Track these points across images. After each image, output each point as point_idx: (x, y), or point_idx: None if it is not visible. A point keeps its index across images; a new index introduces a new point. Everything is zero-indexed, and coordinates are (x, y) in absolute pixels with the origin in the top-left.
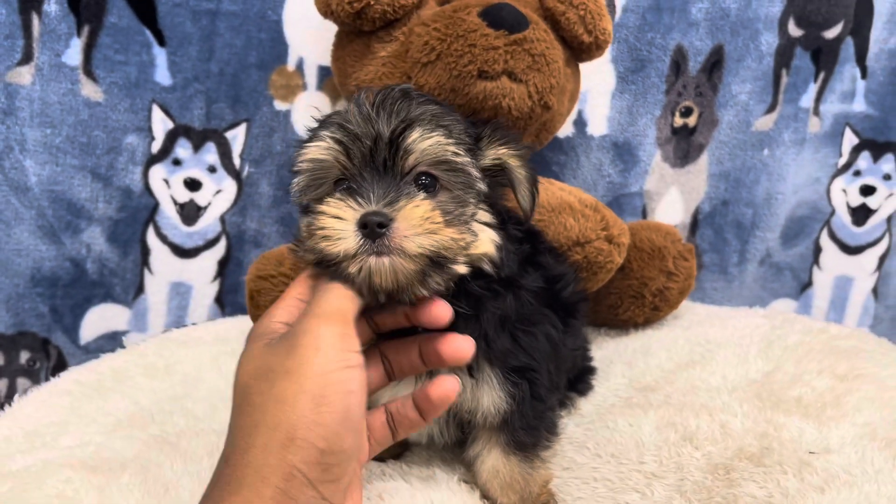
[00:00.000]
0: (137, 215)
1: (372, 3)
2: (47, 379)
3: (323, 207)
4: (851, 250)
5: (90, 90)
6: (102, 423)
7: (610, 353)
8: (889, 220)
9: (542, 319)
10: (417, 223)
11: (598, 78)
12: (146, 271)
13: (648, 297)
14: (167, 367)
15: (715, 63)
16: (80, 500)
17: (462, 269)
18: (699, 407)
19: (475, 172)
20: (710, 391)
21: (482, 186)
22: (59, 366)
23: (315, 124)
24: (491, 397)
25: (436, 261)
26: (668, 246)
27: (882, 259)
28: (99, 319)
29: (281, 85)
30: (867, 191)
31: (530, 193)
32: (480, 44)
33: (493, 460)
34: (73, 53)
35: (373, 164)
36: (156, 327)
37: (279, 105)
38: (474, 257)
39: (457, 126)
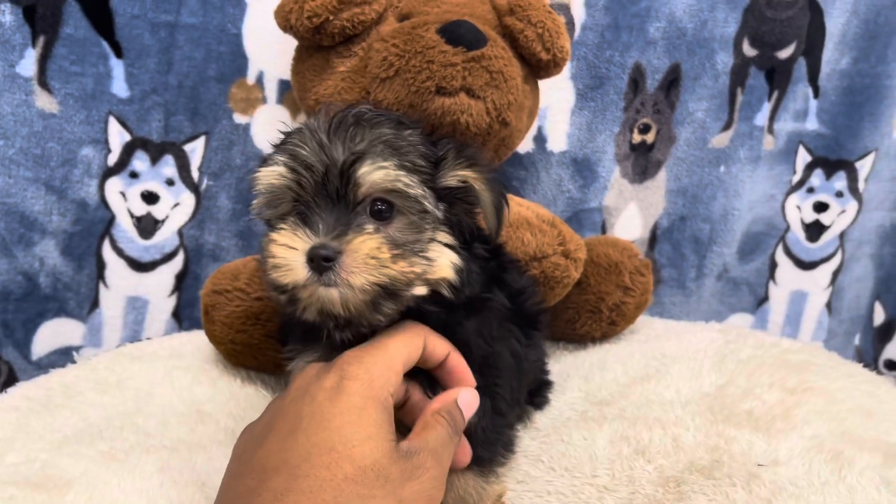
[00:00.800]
0: (93, 228)
1: (331, 18)
2: None
3: (274, 236)
4: (806, 266)
5: (45, 101)
6: (49, 440)
7: (567, 367)
8: (841, 236)
9: (506, 335)
10: (363, 259)
11: (557, 95)
12: (101, 285)
13: (605, 312)
14: (119, 383)
15: (672, 81)
16: None
17: (420, 291)
18: (653, 420)
19: (429, 203)
20: (664, 405)
21: (438, 213)
22: (10, 381)
23: (279, 139)
24: None
25: (388, 290)
26: (624, 261)
27: (835, 274)
28: (52, 335)
29: (240, 98)
30: (820, 207)
31: (495, 214)
32: (439, 60)
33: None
34: (28, 64)
35: (325, 192)
36: (111, 342)
37: (238, 118)
38: (432, 282)
39: (412, 152)
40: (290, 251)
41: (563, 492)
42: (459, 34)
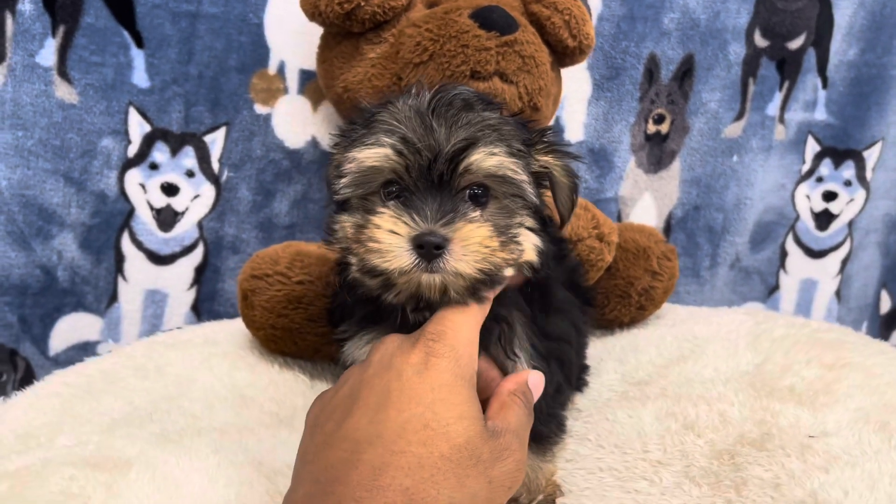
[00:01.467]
0: (112, 221)
1: (362, 4)
2: (14, 392)
3: (376, 220)
4: (815, 254)
5: (64, 92)
6: (98, 423)
7: (599, 351)
8: (850, 224)
9: (570, 308)
10: (475, 247)
11: (575, 85)
12: (120, 279)
13: (634, 297)
14: (158, 369)
15: (686, 71)
16: (88, 497)
17: (509, 273)
18: (696, 398)
19: (529, 188)
20: (705, 383)
21: (534, 199)
22: (27, 378)
23: (367, 115)
24: None
25: (488, 276)
26: (651, 246)
27: (844, 262)
28: (70, 329)
29: (261, 88)
30: (829, 196)
31: (570, 200)
32: (473, 45)
33: None
34: (48, 54)
35: (429, 176)
36: (129, 336)
37: (259, 109)
38: (518, 265)
39: (515, 137)
40: (394, 237)
41: (616, 468)
42: (492, 19)
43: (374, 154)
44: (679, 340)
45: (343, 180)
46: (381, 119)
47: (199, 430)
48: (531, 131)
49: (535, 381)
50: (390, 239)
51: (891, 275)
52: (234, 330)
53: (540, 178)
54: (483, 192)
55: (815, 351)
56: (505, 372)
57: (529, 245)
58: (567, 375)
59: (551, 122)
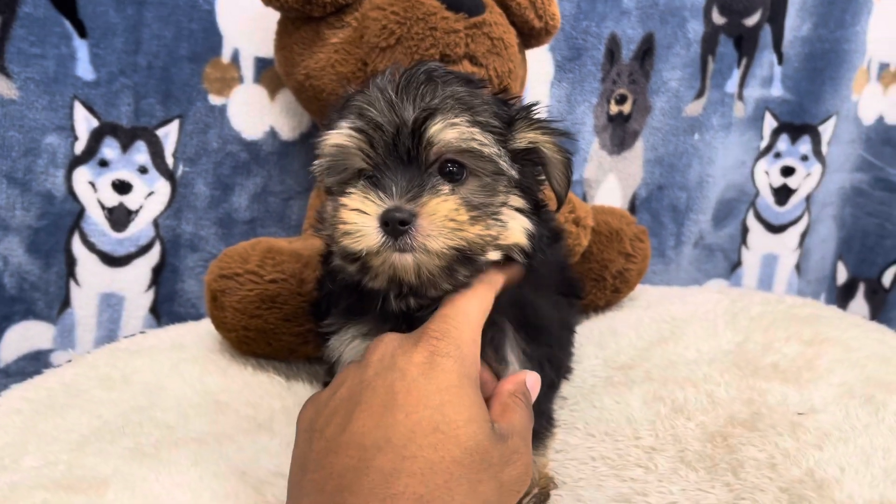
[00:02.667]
0: (60, 222)
1: None
2: None
3: (344, 200)
4: (775, 229)
5: (3, 87)
6: (66, 441)
7: (578, 337)
8: (807, 198)
9: (559, 304)
10: (441, 221)
11: (537, 66)
12: (72, 283)
13: (609, 280)
14: (124, 378)
15: (646, 51)
16: None
17: (493, 256)
18: (682, 380)
19: (503, 162)
20: (689, 364)
21: (513, 173)
22: None
23: (342, 102)
24: None
25: (464, 255)
26: (623, 228)
27: (803, 236)
28: (20, 338)
29: (215, 78)
30: (787, 172)
31: (564, 177)
32: (441, 27)
33: None
34: None
35: (396, 153)
36: (85, 344)
37: (214, 99)
38: (504, 247)
39: (486, 110)
40: (361, 216)
41: (609, 456)
42: (460, 0)
43: (338, 134)
44: (657, 322)
45: (319, 163)
46: (353, 103)
47: (176, 442)
48: (511, 107)
49: (532, 381)
50: (357, 218)
51: (846, 246)
52: (201, 332)
53: (527, 156)
54: (459, 169)
55: (794, 327)
56: (497, 376)
57: (517, 227)
58: (558, 372)
59: None
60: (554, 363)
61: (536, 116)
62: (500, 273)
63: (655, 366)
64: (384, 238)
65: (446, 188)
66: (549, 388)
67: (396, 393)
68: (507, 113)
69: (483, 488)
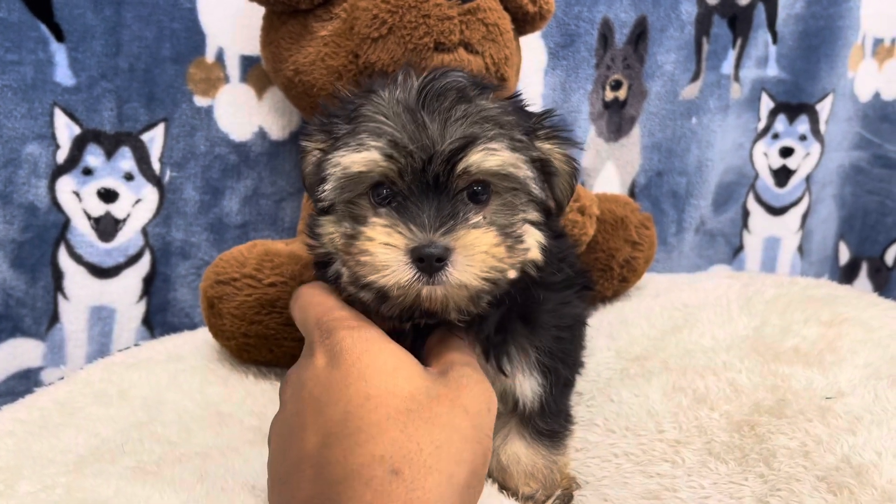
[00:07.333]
0: (45, 235)
1: None
2: None
3: (368, 232)
4: (776, 211)
5: None
6: (62, 463)
7: (587, 329)
8: (807, 179)
9: (572, 300)
10: (481, 257)
11: (530, 54)
12: (60, 297)
13: (616, 269)
14: (121, 393)
15: (640, 34)
16: None
17: (512, 275)
18: (701, 368)
19: (535, 185)
20: (707, 352)
21: (539, 193)
22: None
23: (350, 108)
24: (530, 384)
25: (492, 283)
26: (629, 215)
27: (804, 217)
28: (8, 357)
29: (200, 79)
30: (786, 152)
31: (569, 186)
32: (434, 14)
33: (513, 447)
34: None
35: (423, 178)
36: (76, 359)
37: (199, 101)
38: (521, 263)
39: (515, 126)
40: (389, 250)
41: (632, 452)
42: None
43: (361, 159)
44: (668, 310)
45: (326, 186)
46: (365, 114)
47: (179, 457)
48: (531, 116)
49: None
50: (386, 252)
51: (847, 226)
52: (198, 342)
53: (539, 166)
54: (483, 190)
55: (811, 309)
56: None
57: (533, 242)
58: (573, 369)
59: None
60: (568, 361)
61: (549, 125)
62: None
63: (671, 355)
64: (416, 274)
65: (479, 217)
66: (566, 386)
67: (319, 395)
68: (529, 123)
69: (443, 418)
